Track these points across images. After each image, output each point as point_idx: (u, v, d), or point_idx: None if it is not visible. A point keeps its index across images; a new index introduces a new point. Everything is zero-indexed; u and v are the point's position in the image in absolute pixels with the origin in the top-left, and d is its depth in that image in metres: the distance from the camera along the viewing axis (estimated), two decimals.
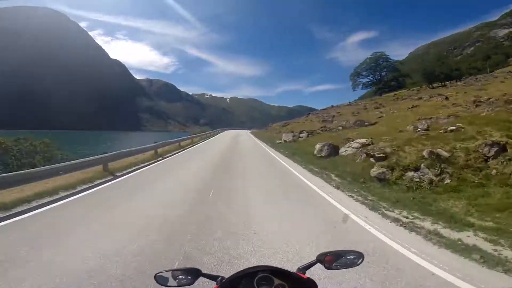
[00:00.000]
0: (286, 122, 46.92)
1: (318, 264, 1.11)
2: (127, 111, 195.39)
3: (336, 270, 1.14)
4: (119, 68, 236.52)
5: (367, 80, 61.88)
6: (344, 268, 1.13)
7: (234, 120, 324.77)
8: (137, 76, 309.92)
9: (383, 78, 58.70)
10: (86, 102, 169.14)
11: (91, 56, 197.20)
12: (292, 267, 1.17)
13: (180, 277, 1.10)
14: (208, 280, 1.11)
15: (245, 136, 33.50)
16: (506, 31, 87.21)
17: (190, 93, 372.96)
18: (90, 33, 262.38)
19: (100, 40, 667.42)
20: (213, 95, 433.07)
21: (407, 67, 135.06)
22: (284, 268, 1.03)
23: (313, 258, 1.13)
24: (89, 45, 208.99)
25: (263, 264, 1.06)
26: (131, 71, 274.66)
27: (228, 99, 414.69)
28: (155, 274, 1.10)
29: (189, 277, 1.09)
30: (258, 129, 70.21)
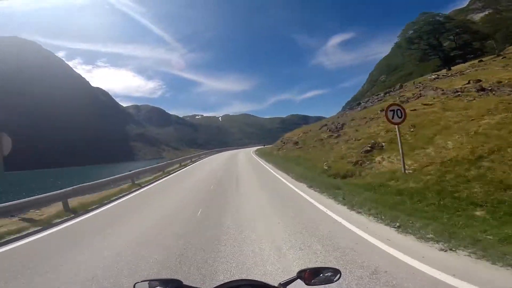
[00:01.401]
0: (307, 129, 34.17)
1: (299, 280, 1.15)
2: (117, 141, 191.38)
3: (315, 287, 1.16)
4: (104, 97, 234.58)
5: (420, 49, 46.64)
6: (323, 284, 1.16)
7: (229, 138, 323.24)
8: (124, 103, 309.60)
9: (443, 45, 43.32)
10: (70, 136, 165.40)
11: (71, 86, 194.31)
12: None
13: (159, 287, 1.08)
14: None
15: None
16: (482, 14, 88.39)
17: (181, 116, 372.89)
18: (69, 62, 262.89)
19: (81, 69, 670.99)
20: (205, 115, 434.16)
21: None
22: (266, 282, 1.05)
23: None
24: (68, 74, 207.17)
25: (245, 278, 1.06)
26: (117, 99, 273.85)
27: (220, 118, 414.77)
28: (134, 284, 1.09)
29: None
30: (263, 144, 65.55)
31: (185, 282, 1.14)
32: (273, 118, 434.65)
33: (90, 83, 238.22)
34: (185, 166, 23.22)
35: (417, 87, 22.73)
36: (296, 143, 24.57)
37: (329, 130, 20.85)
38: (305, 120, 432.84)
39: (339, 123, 21.15)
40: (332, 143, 17.23)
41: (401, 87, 27.18)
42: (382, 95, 27.85)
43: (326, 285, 1.16)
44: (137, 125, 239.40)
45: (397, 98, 19.89)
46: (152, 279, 1.11)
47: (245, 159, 27.44)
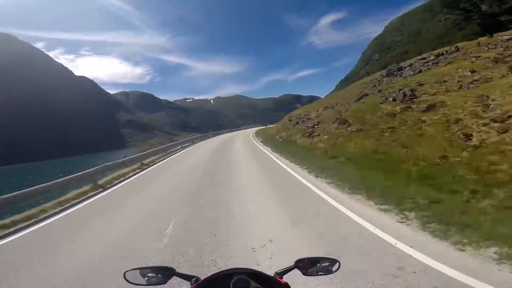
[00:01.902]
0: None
1: (296, 270, 1.13)
2: (107, 129, 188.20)
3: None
4: (89, 86, 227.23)
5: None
6: (320, 275, 1.16)
7: (222, 120, 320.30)
8: (112, 91, 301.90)
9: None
10: (56, 128, 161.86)
11: (53, 77, 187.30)
12: None
13: (151, 275, 1.07)
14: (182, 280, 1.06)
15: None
16: None
17: (172, 100, 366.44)
18: (49, 53, 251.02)
19: (63, 59, 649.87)
20: (196, 98, 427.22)
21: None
22: (263, 271, 1.05)
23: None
24: (49, 65, 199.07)
25: (240, 267, 1.05)
26: (104, 87, 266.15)
27: (212, 100, 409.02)
28: (125, 272, 1.06)
29: (161, 276, 1.07)
30: (264, 124, 63.30)
31: (178, 270, 1.11)
32: (266, 98, 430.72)
33: (74, 72, 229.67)
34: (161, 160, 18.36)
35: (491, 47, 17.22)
36: (344, 121, 15.23)
37: (393, 100, 14.11)
38: (298, 99, 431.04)
39: (402, 90, 14.29)
40: (414, 120, 10.84)
41: (457, 49, 20.79)
42: (433, 58, 21.70)
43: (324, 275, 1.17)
44: (127, 112, 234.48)
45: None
46: (143, 267, 1.11)
47: (247, 153, 17.59)
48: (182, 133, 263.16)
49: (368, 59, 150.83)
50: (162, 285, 1.07)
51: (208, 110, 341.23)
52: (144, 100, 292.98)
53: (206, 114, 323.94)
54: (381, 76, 23.81)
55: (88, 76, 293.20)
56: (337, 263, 1.16)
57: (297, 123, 24.64)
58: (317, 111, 23.95)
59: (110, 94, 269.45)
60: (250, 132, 40.55)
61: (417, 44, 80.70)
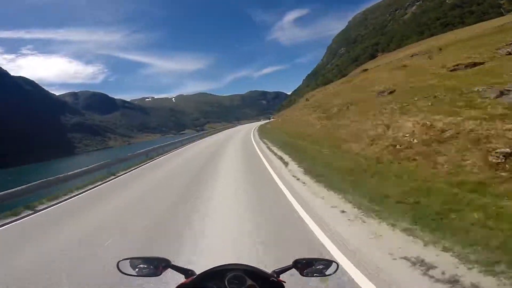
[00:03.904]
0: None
1: (294, 270, 1.13)
2: (51, 134, 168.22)
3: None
4: (29, 86, 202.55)
5: None
6: (315, 276, 1.16)
7: (185, 119, 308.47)
8: (60, 92, 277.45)
9: None
10: None
11: None
12: None
13: (144, 266, 1.07)
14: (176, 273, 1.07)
15: None
16: None
17: (128, 100, 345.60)
18: None
19: (1, 59, 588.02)
20: (156, 97, 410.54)
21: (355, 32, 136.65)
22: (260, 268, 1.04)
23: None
24: None
25: (237, 263, 1.04)
26: (50, 88, 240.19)
27: (173, 98, 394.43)
28: (118, 262, 1.06)
29: (156, 267, 1.06)
30: (267, 118, 64.60)
31: (173, 262, 1.09)
32: (232, 95, 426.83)
33: (11, 72, 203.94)
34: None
35: None
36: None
37: None
38: (264, 96, 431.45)
39: None
40: None
41: None
42: None
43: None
44: (74, 114, 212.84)
45: None
46: (137, 257, 1.10)
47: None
48: (140, 135, 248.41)
49: (334, 53, 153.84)
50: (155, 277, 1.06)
51: (169, 109, 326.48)
52: (96, 101, 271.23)
53: (167, 113, 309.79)
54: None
55: (29, 77, 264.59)
56: (334, 265, 1.15)
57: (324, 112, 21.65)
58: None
59: (55, 95, 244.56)
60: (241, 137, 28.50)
61: (386, 36, 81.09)
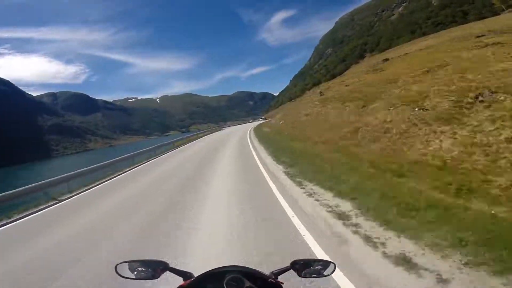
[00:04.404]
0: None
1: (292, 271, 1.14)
2: (26, 137, 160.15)
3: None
4: (3, 86, 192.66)
5: None
6: (313, 277, 1.17)
7: (169, 120, 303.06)
8: (38, 92, 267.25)
9: None
10: None
11: None
12: None
13: (142, 269, 1.08)
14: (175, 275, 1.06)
15: None
16: None
17: (110, 100, 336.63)
18: None
19: None
20: (140, 97, 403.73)
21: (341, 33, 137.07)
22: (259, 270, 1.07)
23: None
24: None
25: (235, 265, 1.05)
26: (28, 89, 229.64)
27: (158, 99, 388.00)
28: (116, 264, 1.07)
29: (154, 270, 1.07)
30: (263, 118, 58.05)
31: (172, 265, 1.11)
32: (219, 96, 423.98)
33: None
34: None
35: None
36: None
37: None
38: (251, 96, 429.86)
39: None
40: None
41: None
42: None
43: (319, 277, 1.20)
44: (53, 115, 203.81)
45: None
46: (135, 260, 1.10)
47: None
48: (122, 137, 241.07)
49: (321, 53, 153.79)
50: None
51: (153, 110, 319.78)
52: (76, 101, 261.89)
53: (151, 114, 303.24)
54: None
55: (6, 77, 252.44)
56: (331, 266, 1.16)
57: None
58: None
59: (32, 96, 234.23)
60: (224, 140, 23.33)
61: (373, 37, 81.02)
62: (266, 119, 57.89)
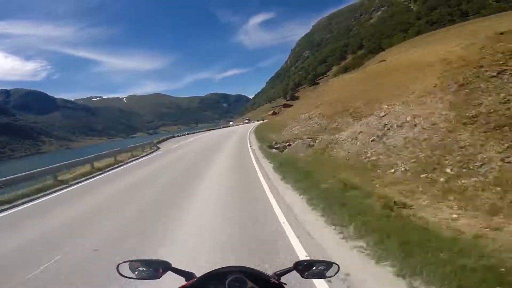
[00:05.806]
0: None
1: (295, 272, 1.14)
2: None
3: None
4: None
5: None
6: (316, 278, 1.19)
7: (136, 121, 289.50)
8: None
9: None
10: None
11: None
12: None
13: (144, 268, 1.07)
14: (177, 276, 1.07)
15: None
16: None
17: (72, 99, 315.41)
18: None
19: None
20: (105, 97, 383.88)
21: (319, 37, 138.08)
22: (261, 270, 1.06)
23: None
24: None
25: (238, 265, 1.04)
26: None
27: (125, 99, 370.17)
28: (118, 264, 1.06)
29: (156, 270, 1.07)
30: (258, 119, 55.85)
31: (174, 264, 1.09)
32: (191, 97, 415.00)
33: None
34: None
35: None
36: None
37: None
38: (225, 98, 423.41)
39: None
40: None
41: None
42: None
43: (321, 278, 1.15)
44: (2, 114, 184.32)
45: None
46: (137, 259, 1.09)
47: None
48: (83, 138, 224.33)
49: (298, 56, 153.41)
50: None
51: (119, 110, 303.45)
52: (31, 100, 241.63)
53: (116, 115, 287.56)
54: None
55: None
56: (335, 267, 1.15)
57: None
58: None
59: None
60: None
61: (354, 39, 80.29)
62: (247, 121, 57.26)
